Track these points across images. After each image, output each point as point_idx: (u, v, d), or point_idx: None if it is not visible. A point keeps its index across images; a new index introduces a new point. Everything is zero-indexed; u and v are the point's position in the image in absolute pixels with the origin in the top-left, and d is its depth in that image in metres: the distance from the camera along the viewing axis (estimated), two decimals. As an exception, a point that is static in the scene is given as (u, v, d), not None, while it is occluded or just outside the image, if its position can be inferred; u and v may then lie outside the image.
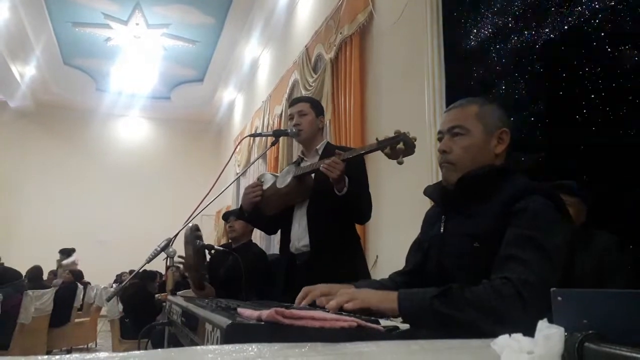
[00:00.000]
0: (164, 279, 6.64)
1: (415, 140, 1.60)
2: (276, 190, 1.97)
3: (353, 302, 0.97)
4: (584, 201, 2.11)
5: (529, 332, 0.54)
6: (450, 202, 1.22)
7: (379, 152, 1.63)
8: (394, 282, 1.30)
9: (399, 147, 1.55)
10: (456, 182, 1.17)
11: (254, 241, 3.16)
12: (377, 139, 1.61)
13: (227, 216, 3.07)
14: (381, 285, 1.27)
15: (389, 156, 1.58)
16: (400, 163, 1.55)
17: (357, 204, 1.86)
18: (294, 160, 2.14)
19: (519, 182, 1.11)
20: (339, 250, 1.88)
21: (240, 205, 2.09)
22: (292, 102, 2.15)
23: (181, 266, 2.28)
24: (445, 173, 1.21)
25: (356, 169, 1.86)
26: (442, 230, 1.21)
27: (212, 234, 9.20)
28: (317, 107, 2.10)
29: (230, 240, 3.08)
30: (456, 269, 1.12)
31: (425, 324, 0.94)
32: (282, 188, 1.94)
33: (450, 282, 1.01)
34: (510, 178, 1.14)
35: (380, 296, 1.01)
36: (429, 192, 1.30)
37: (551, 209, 1.04)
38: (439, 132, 1.25)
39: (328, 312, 0.91)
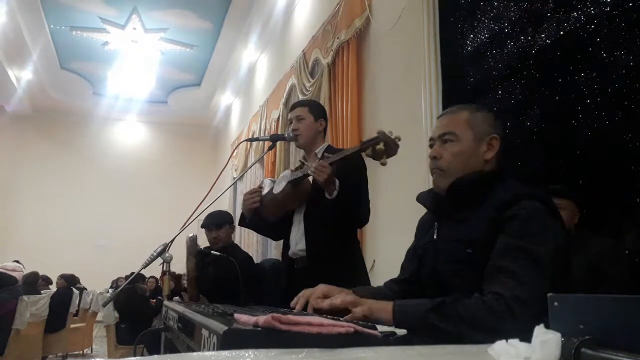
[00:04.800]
0: (159, 284, 6.62)
1: (399, 140, 1.55)
2: (273, 196, 1.96)
3: (362, 307, 0.99)
4: (576, 203, 2.12)
5: (526, 337, 0.54)
6: (442, 209, 1.22)
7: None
8: (391, 290, 1.31)
9: (379, 147, 1.51)
10: (447, 189, 1.18)
11: (252, 246, 3.14)
12: (360, 141, 1.59)
13: (207, 226, 2.91)
14: (378, 293, 1.28)
15: (372, 157, 1.54)
16: (383, 164, 1.52)
17: (350, 207, 1.83)
18: (297, 165, 2.12)
19: (510, 187, 1.12)
20: (336, 255, 1.87)
21: (242, 212, 2.08)
22: (292, 106, 2.14)
23: (183, 276, 2.26)
24: (435, 179, 1.22)
25: (353, 171, 1.84)
26: (435, 237, 1.21)
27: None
28: (316, 110, 2.07)
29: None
30: (450, 275, 1.13)
31: (418, 335, 0.95)
32: (277, 194, 1.93)
33: (445, 288, 1.03)
34: (502, 183, 1.14)
35: (379, 306, 1.02)
36: (421, 198, 1.30)
37: (543, 214, 1.05)
38: (431, 139, 1.26)
39: (325, 317, 0.91)
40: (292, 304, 1.18)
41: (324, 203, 1.79)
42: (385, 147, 1.51)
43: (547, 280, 0.98)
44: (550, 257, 1.00)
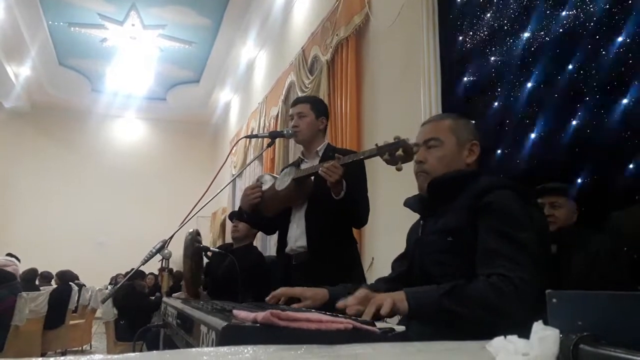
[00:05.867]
0: (158, 281, 6.61)
1: (415, 148, 1.59)
2: (275, 192, 1.96)
3: (384, 306, 0.98)
4: (575, 202, 2.12)
5: (524, 333, 0.55)
6: (426, 207, 1.30)
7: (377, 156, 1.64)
8: (378, 289, 1.32)
9: (398, 153, 1.54)
10: (427, 186, 1.25)
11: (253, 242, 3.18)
12: (376, 145, 1.61)
13: (232, 216, 3.09)
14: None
15: (388, 162, 1.57)
16: (399, 169, 1.55)
17: (354, 208, 1.87)
18: (293, 161, 2.13)
19: (485, 179, 1.19)
20: (335, 253, 1.89)
21: (240, 207, 2.09)
22: (293, 102, 2.14)
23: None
24: (421, 182, 1.30)
25: (355, 173, 1.86)
26: (420, 234, 1.28)
27: (208, 236, 9.19)
28: (318, 108, 2.07)
29: (232, 240, 3.09)
30: (435, 265, 1.17)
31: (431, 320, 0.99)
32: (280, 190, 1.93)
33: (431, 280, 1.07)
34: (477, 177, 1.22)
35: (395, 297, 1.03)
36: (409, 203, 1.37)
37: (518, 201, 1.11)
38: (415, 145, 1.34)
39: (324, 313, 0.91)
40: (267, 300, 1.25)
41: (326, 202, 1.81)
42: (404, 153, 1.54)
43: (535, 262, 1.03)
44: (534, 242, 1.05)
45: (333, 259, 1.86)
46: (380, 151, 1.59)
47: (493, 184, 1.15)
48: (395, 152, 1.55)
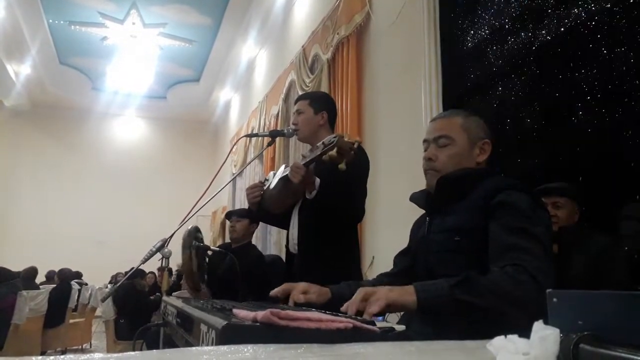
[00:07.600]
0: (158, 280, 6.63)
1: (357, 144, 1.49)
2: (270, 191, 1.96)
3: (378, 302, 0.96)
4: (576, 202, 2.11)
5: (525, 333, 0.55)
6: (432, 204, 1.28)
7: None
8: (381, 283, 1.31)
9: (331, 154, 1.47)
10: (435, 183, 1.23)
11: (252, 242, 3.17)
12: (322, 143, 1.54)
13: (229, 215, 3.07)
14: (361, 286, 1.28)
15: (331, 162, 1.49)
16: (341, 169, 1.48)
17: (334, 205, 1.77)
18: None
19: (495, 179, 1.19)
20: (326, 251, 1.82)
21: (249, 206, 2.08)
22: (295, 100, 2.13)
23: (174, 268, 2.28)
24: (429, 179, 1.27)
25: (336, 171, 1.79)
26: (426, 232, 1.26)
27: (208, 235, 9.19)
28: (317, 103, 2.03)
29: (230, 240, 3.09)
30: (441, 264, 1.16)
31: (443, 313, 0.97)
32: (272, 189, 1.92)
33: (434, 278, 1.05)
34: (487, 178, 1.20)
35: (399, 290, 1.00)
36: (414, 198, 1.35)
37: (529, 201, 1.11)
38: (424, 141, 1.30)
39: (324, 312, 0.91)
40: (271, 293, 1.22)
41: (313, 200, 1.77)
42: (339, 153, 1.46)
43: (550, 257, 1.03)
44: (548, 237, 1.06)
45: (323, 257, 1.79)
46: (322, 152, 1.51)
47: (503, 184, 1.14)
48: (329, 152, 1.47)
